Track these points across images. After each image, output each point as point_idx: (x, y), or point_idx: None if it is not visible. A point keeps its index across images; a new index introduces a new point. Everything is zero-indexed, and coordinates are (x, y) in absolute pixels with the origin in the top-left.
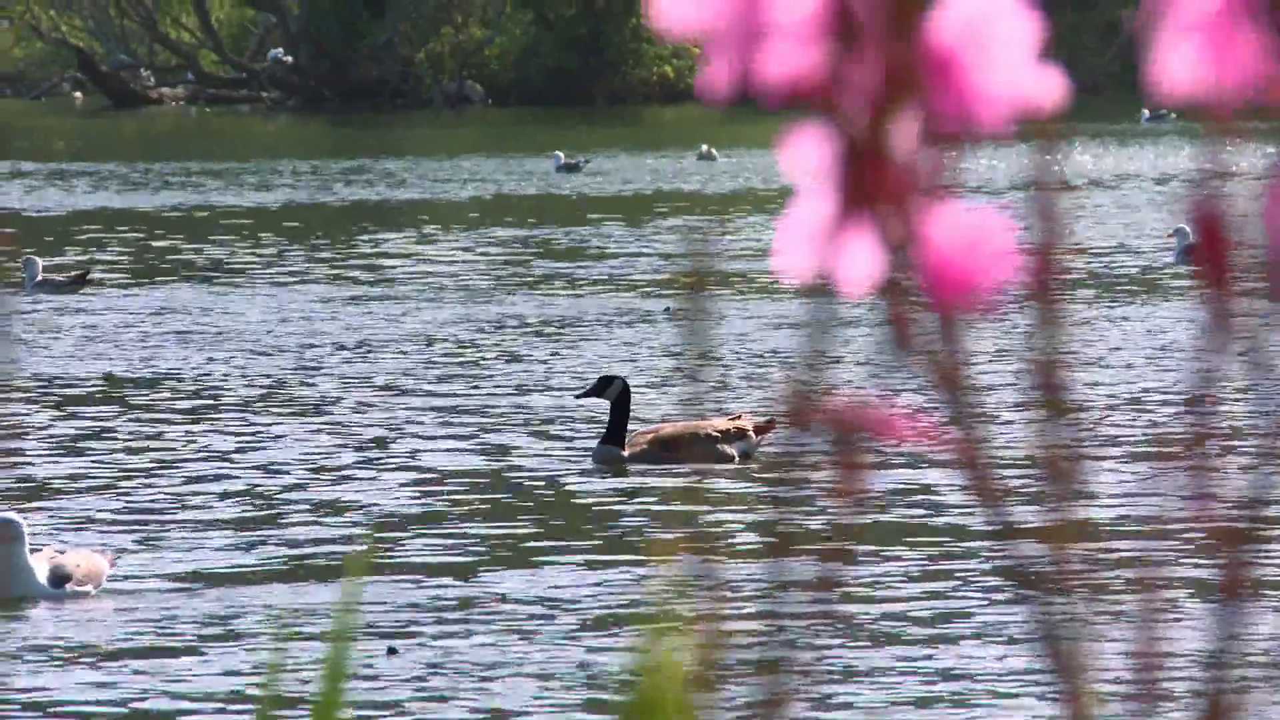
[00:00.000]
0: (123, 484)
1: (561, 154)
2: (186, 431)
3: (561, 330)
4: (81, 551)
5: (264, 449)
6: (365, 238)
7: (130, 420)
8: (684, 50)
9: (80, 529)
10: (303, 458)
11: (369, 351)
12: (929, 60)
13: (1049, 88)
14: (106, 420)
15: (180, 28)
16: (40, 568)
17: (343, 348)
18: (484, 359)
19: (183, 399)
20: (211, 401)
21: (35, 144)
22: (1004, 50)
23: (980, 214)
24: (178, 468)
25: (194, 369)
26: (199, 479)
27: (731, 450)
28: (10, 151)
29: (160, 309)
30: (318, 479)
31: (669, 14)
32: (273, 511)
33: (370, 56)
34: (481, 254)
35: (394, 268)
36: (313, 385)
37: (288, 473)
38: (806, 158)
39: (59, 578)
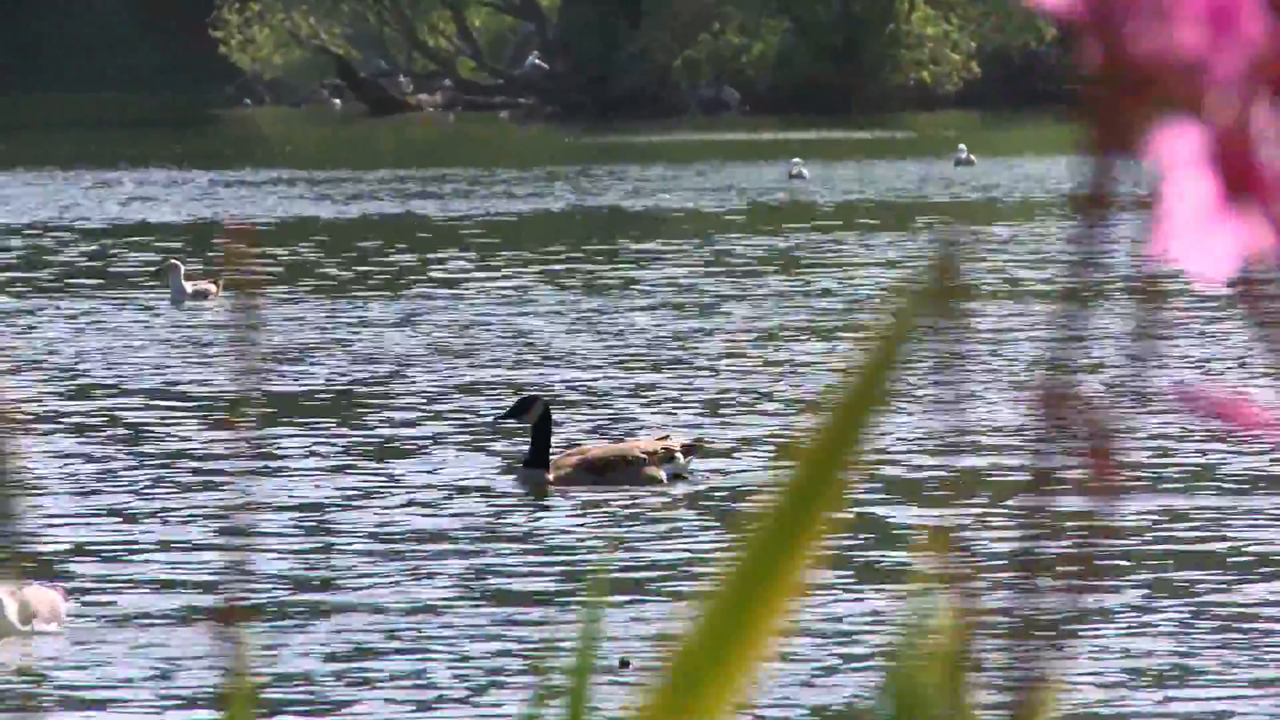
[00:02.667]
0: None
1: (798, 161)
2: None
3: (804, 339)
4: (36, 588)
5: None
6: (607, 245)
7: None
8: (940, 56)
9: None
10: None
11: (595, 358)
12: None
13: None
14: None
15: (438, 35)
16: (8, 605)
17: (576, 354)
18: (719, 367)
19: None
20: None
21: (293, 151)
22: None
23: None
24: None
25: (373, 381)
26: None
27: (660, 472)
28: (268, 159)
29: (372, 318)
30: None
31: None
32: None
33: (627, 63)
34: (721, 261)
35: (637, 276)
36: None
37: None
38: (1177, 148)
39: (27, 616)
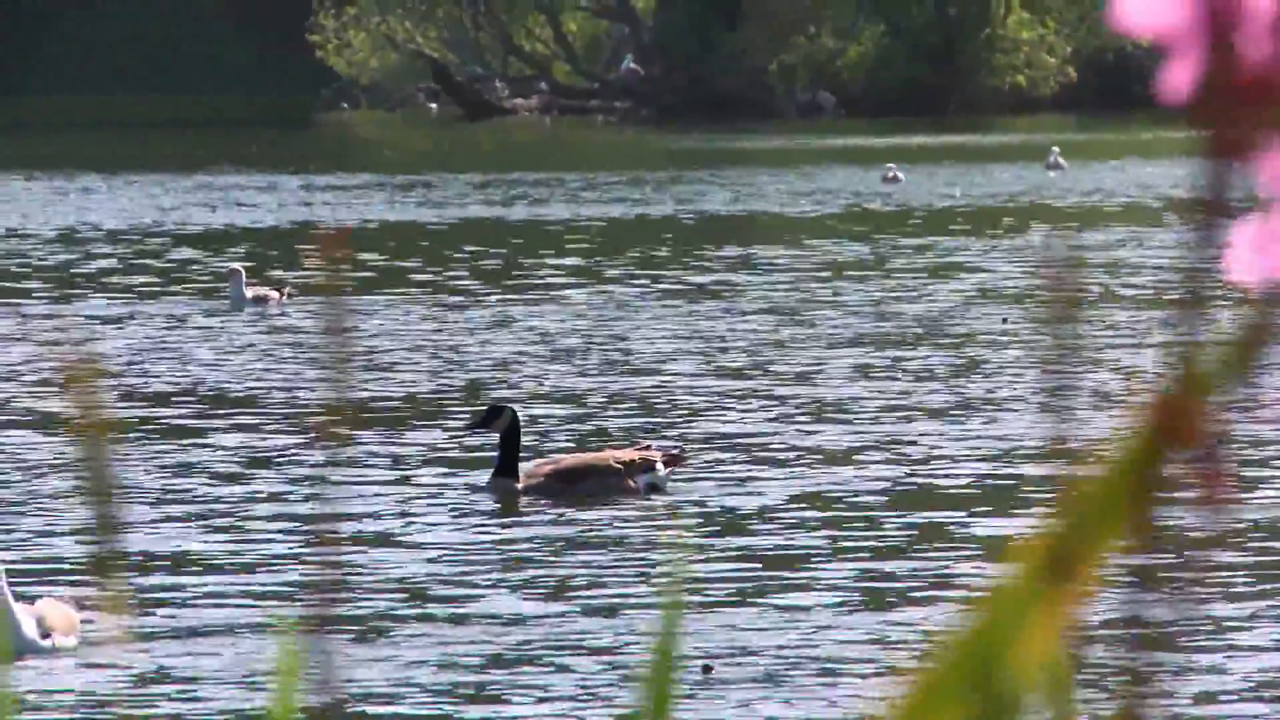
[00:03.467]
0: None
1: (892, 166)
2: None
3: (908, 342)
4: (50, 602)
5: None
6: (702, 250)
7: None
8: (1036, 60)
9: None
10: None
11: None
12: None
13: None
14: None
15: (534, 39)
16: (27, 621)
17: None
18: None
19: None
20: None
21: (390, 155)
22: None
23: None
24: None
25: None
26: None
27: (636, 483)
28: (365, 163)
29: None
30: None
31: (1131, 12)
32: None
33: (722, 67)
34: (814, 267)
35: (732, 281)
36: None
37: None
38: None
39: (45, 632)
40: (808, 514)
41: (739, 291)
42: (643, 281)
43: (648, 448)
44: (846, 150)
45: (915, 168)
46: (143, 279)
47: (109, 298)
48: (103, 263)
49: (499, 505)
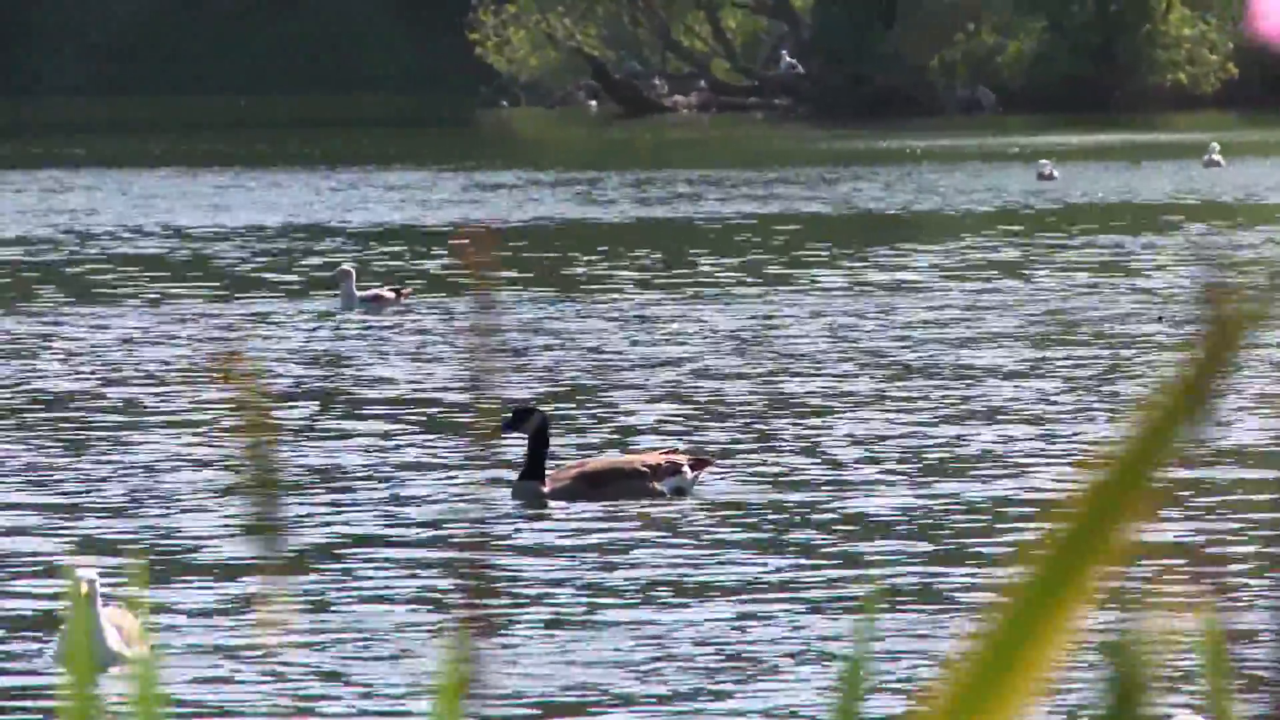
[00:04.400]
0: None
1: (1047, 162)
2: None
3: (1059, 339)
4: (115, 610)
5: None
6: (859, 247)
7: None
8: (1197, 56)
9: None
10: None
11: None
12: None
13: None
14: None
15: (693, 36)
16: (111, 631)
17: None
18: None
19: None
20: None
21: (549, 152)
22: None
23: None
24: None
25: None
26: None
27: (662, 486)
28: (523, 161)
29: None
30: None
31: (1270, 18)
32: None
33: (882, 64)
34: (966, 264)
35: (890, 279)
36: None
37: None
38: None
39: (128, 639)
40: (974, 517)
41: (895, 289)
42: (802, 279)
43: (674, 451)
44: (1004, 147)
45: (1072, 165)
46: (293, 277)
47: (264, 295)
48: (264, 259)
49: (526, 508)
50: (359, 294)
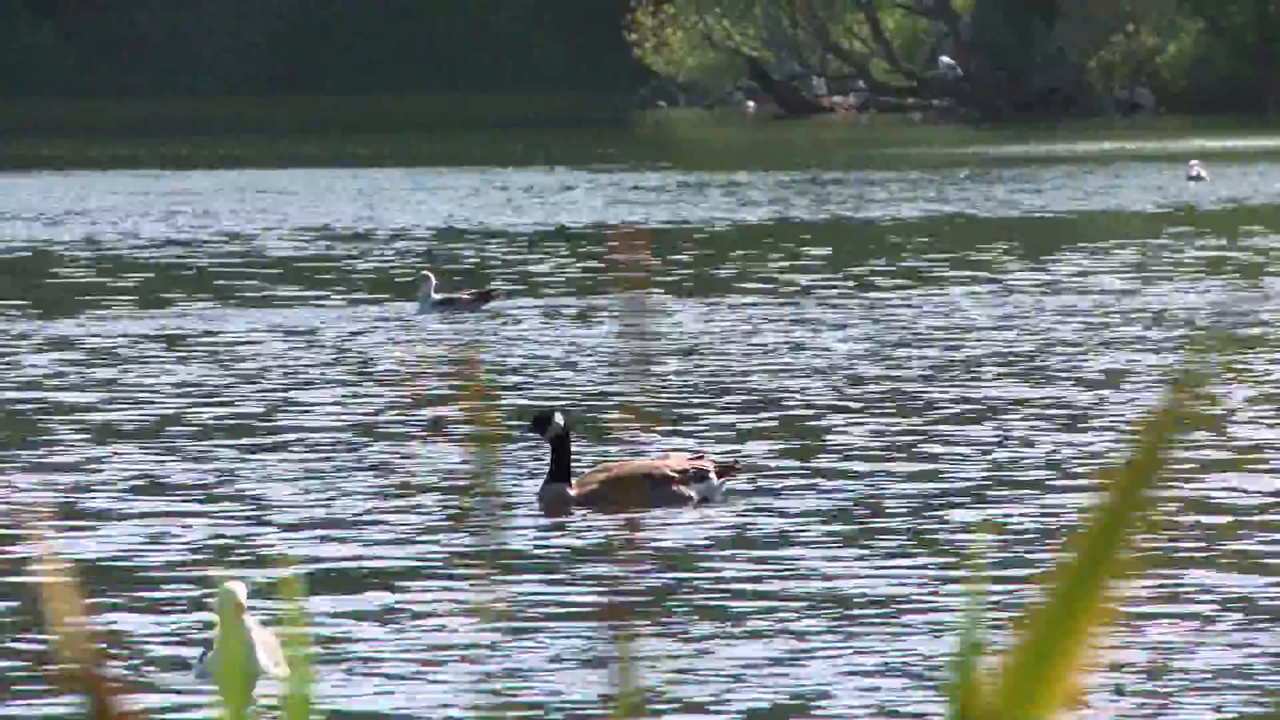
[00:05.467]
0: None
1: (1196, 163)
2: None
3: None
4: (260, 626)
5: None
6: (1015, 247)
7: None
8: None
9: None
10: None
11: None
12: None
13: None
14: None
15: (852, 36)
16: (259, 647)
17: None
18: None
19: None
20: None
21: (706, 153)
22: None
23: None
24: None
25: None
26: None
27: (690, 492)
28: (680, 161)
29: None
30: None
31: None
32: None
33: (1041, 64)
34: (1113, 265)
35: (1045, 280)
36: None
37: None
38: None
39: (276, 657)
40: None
41: (1044, 290)
42: (962, 280)
43: (700, 456)
44: (1159, 149)
45: (1223, 167)
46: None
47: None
48: (412, 262)
49: (552, 513)
50: (435, 297)
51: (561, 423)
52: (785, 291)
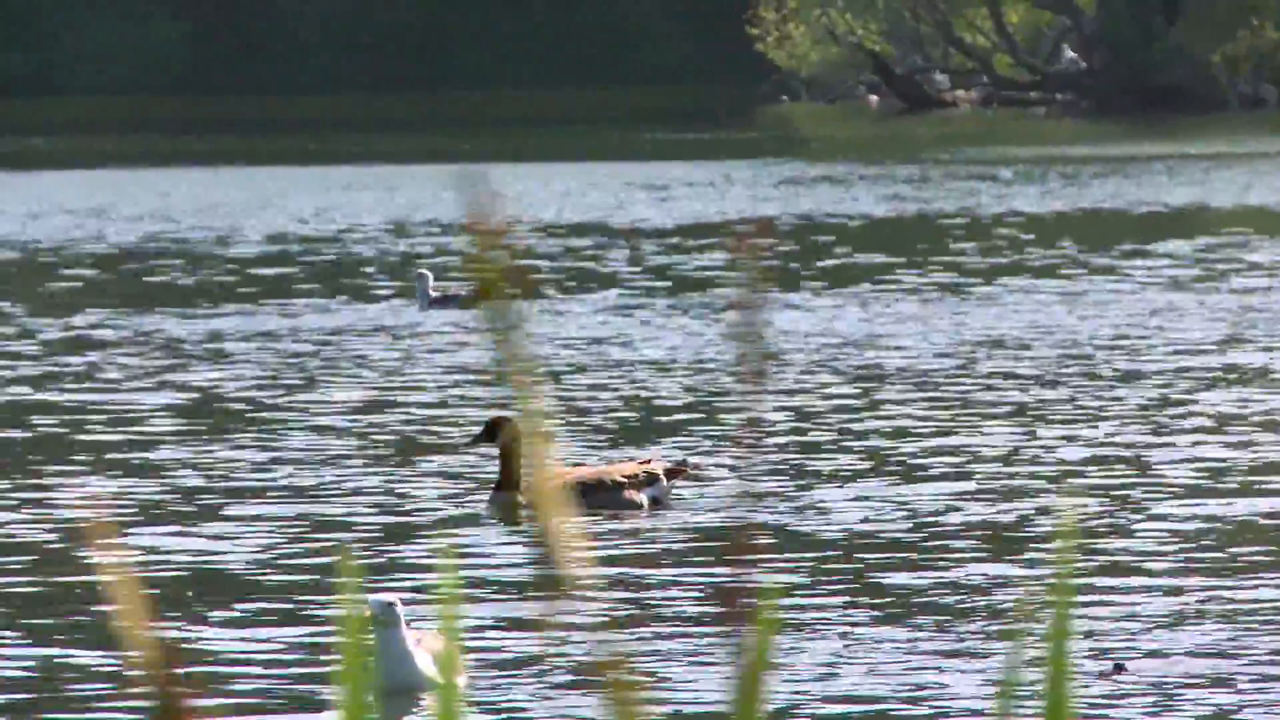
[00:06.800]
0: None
1: None
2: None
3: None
4: (433, 635)
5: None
6: (1138, 244)
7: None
8: None
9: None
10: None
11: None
12: None
13: None
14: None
15: (975, 30)
16: (423, 656)
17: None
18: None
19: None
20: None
21: (825, 147)
22: None
23: None
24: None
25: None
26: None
27: (640, 497)
28: (801, 155)
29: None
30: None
31: None
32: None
33: (1164, 59)
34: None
35: (1175, 276)
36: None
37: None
38: None
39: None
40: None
41: (1166, 285)
42: (1085, 275)
43: (649, 461)
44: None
45: None
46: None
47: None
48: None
49: (500, 520)
50: (431, 294)
51: (514, 429)
52: (910, 285)
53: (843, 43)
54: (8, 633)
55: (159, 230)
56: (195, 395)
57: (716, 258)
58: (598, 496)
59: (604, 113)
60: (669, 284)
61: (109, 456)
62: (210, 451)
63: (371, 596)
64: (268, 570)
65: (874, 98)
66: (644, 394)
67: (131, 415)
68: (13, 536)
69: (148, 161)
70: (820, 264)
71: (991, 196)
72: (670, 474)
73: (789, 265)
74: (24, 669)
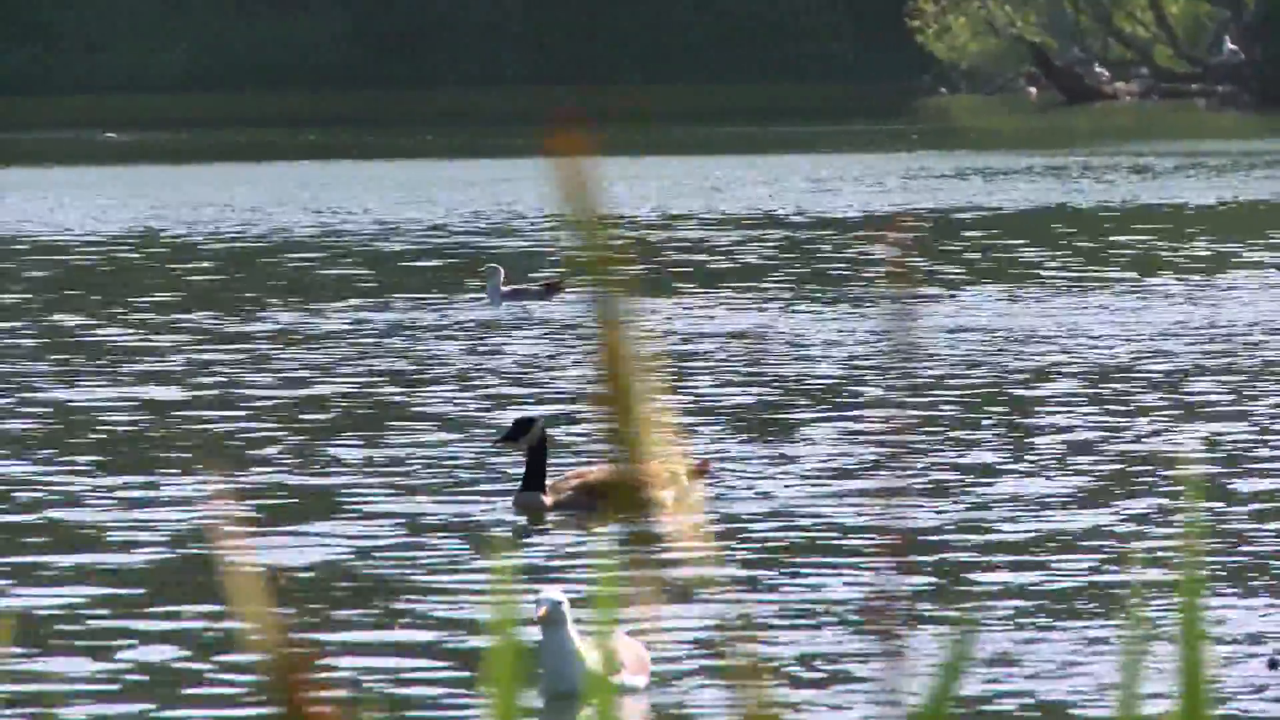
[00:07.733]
0: None
1: None
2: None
3: None
4: (621, 637)
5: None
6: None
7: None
8: None
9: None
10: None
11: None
12: None
13: None
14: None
15: (1135, 22)
16: (590, 655)
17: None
18: None
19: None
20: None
21: (985, 139)
22: None
23: None
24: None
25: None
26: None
27: (664, 496)
28: (961, 147)
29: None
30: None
31: None
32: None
33: None
34: None
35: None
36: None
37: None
38: None
39: (613, 667)
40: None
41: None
42: (1243, 266)
43: (672, 461)
44: None
45: None
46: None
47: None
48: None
49: (525, 520)
50: (504, 289)
51: (541, 429)
52: (1073, 278)
53: (1002, 34)
54: (140, 622)
55: (315, 221)
56: (302, 392)
57: (868, 251)
58: (620, 497)
59: (763, 106)
60: (823, 275)
61: (226, 452)
62: (316, 447)
63: (540, 594)
64: (388, 568)
65: (1033, 90)
66: (789, 384)
67: (282, 410)
68: (132, 535)
69: (312, 155)
70: (967, 257)
71: (1145, 188)
72: (694, 474)
73: (957, 258)
74: (160, 659)
